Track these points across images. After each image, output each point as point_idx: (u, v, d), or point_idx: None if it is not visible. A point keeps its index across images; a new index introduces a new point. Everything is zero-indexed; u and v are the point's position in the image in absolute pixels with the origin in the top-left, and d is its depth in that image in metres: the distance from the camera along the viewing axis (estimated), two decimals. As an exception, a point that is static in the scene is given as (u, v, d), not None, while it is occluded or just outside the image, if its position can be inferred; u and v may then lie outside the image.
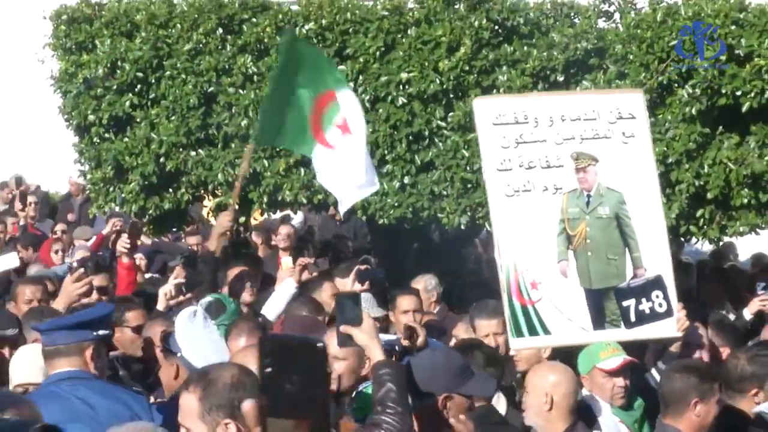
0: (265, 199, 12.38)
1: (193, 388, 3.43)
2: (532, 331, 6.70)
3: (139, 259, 12.76)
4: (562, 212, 6.92)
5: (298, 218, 18.20)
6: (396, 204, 11.74)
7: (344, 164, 9.57)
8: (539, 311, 6.75)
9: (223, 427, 3.47)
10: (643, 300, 6.72)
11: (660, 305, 6.65)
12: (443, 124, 11.48)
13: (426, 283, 10.78)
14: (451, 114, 11.44)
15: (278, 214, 15.67)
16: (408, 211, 11.80)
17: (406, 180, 11.65)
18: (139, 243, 13.04)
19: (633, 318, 6.65)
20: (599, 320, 6.70)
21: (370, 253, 13.65)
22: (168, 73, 12.04)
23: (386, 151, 11.56)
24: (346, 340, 4.26)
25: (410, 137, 11.46)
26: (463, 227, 12.02)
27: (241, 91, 11.96)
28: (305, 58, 9.94)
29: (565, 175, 7.02)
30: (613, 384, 6.19)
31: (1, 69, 21.30)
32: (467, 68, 11.28)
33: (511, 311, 6.69)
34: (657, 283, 6.71)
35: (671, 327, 6.62)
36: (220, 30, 12.22)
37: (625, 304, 6.71)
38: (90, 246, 14.03)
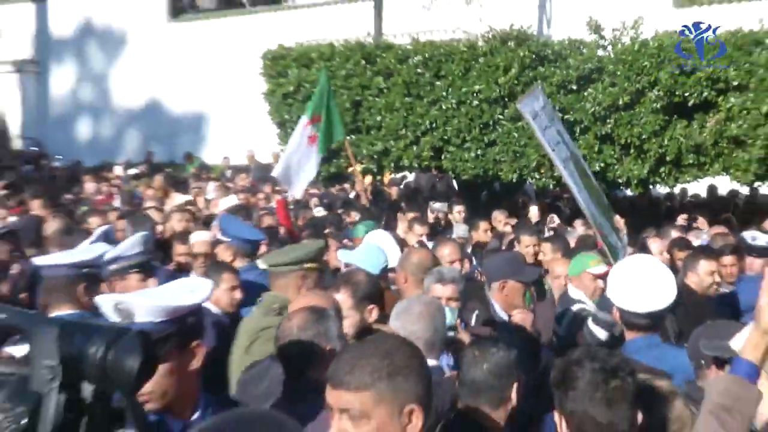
0: (392, 166, 16.95)
1: (344, 289, 4.91)
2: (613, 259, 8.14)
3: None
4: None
5: (410, 177, 21.88)
6: (473, 167, 16.09)
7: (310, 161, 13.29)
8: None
9: (368, 312, 5.02)
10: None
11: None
12: (501, 117, 15.61)
13: (500, 214, 14.15)
14: (506, 110, 15.57)
15: (398, 174, 19.31)
16: (480, 170, 16.20)
17: (479, 152, 15.88)
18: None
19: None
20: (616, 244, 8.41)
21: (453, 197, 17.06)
22: (333, 89, 15.43)
23: (466, 135, 15.82)
24: None
25: (481, 125, 15.61)
26: (514, 181, 16.32)
27: (377, 99, 16.55)
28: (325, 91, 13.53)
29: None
30: (596, 285, 7.35)
31: (234, 88, 25.47)
32: (516, 82, 15.30)
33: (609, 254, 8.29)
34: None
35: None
36: (363, 61, 16.87)
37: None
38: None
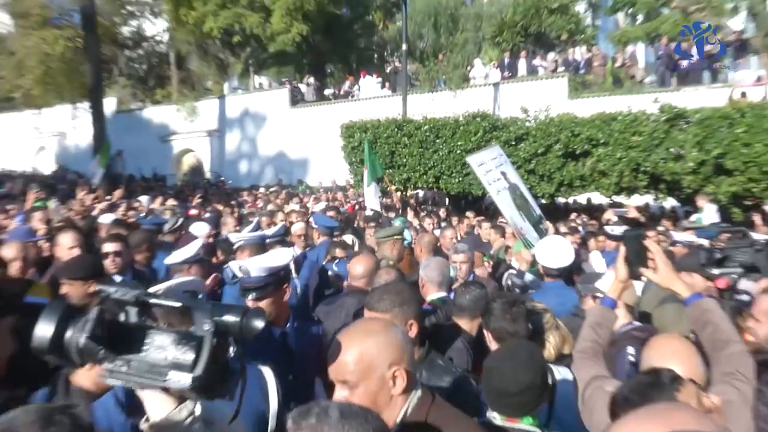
0: (412, 186, 17.13)
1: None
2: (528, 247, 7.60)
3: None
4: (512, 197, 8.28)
5: (422, 193, 19.53)
6: (456, 187, 15.90)
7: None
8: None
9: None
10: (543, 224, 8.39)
11: (546, 226, 8.34)
12: None
13: (471, 213, 13.68)
14: None
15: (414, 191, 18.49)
16: (461, 189, 15.97)
17: (460, 179, 15.70)
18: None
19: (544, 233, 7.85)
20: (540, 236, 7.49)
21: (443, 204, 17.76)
22: (378, 143, 16.36)
23: (453, 169, 15.83)
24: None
25: (461, 164, 15.26)
26: (480, 195, 15.80)
27: (403, 150, 16.39)
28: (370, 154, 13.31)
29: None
30: (526, 259, 7.03)
31: (325, 143, 24.24)
32: (481, 140, 15.22)
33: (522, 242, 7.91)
34: (542, 216, 8.51)
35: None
36: (395, 128, 16.61)
37: (541, 226, 8.18)
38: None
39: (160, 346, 1.42)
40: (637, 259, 2.86)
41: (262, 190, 22.17)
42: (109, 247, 5.25)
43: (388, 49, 35.43)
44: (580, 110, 15.64)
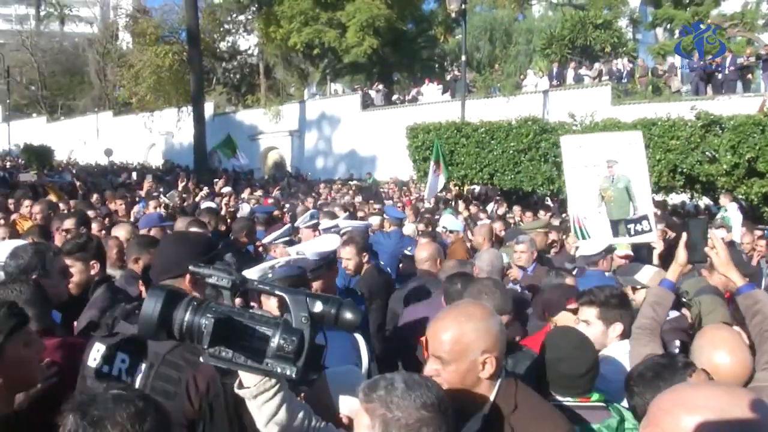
0: (469, 182, 16.89)
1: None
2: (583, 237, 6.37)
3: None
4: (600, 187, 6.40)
5: (477, 188, 18.39)
6: (508, 183, 15.59)
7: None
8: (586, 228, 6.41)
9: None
10: (638, 224, 6.23)
11: (646, 227, 6.18)
12: (524, 158, 15.33)
13: (518, 208, 12.78)
14: (526, 155, 15.17)
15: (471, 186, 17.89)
16: (512, 185, 15.65)
17: (512, 176, 15.40)
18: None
19: (633, 233, 6.20)
20: (616, 233, 6.20)
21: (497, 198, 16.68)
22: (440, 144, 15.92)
23: (506, 167, 15.48)
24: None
25: (513, 163, 15.33)
26: (530, 191, 15.61)
27: (462, 149, 16.25)
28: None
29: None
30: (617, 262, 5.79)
31: (392, 143, 23.26)
32: (531, 142, 15.06)
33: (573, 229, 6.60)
34: (644, 217, 6.20)
35: (653, 237, 6.14)
36: (455, 130, 16.20)
37: (629, 225, 6.22)
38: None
39: (262, 337, 1.37)
40: (699, 245, 2.74)
41: (335, 183, 22.34)
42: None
43: (448, 59, 35.23)
44: (622, 116, 15.11)
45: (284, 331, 1.36)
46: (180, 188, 10.85)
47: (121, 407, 1.31)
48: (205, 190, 11.68)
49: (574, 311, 3.07)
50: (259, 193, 14.76)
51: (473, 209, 11.93)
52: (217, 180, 13.83)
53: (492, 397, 1.85)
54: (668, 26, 29.72)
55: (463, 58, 19.94)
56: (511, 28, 33.51)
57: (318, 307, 1.43)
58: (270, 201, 12.24)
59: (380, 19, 28.74)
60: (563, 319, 3.18)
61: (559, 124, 15.65)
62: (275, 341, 1.35)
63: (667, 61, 24.98)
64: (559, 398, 2.29)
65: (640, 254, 6.33)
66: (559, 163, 14.44)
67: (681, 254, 2.81)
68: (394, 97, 30.59)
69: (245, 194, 14.09)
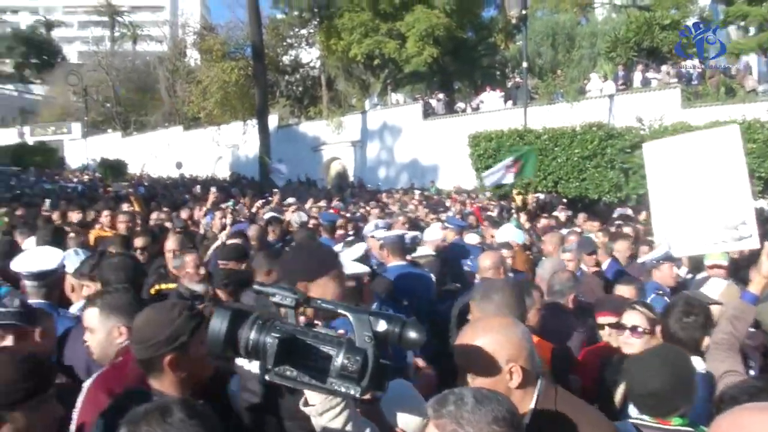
0: (534, 190, 16.48)
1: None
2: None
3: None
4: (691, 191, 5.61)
5: (542, 196, 17.98)
6: (574, 191, 15.61)
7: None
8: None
9: None
10: (737, 229, 5.29)
11: (746, 233, 5.17)
12: (589, 164, 15.23)
13: (582, 216, 12.01)
14: (591, 162, 15.10)
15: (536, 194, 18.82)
16: (578, 193, 15.69)
17: (577, 183, 15.41)
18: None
19: (731, 239, 5.21)
20: (711, 241, 5.33)
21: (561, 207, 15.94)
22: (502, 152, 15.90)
23: (571, 175, 15.49)
24: None
25: (578, 170, 15.32)
26: (595, 198, 15.55)
27: None
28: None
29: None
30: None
31: (454, 151, 23.85)
32: (597, 148, 15.08)
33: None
34: (744, 221, 5.20)
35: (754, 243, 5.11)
36: (518, 137, 16.42)
37: (727, 231, 5.28)
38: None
39: (326, 356, 1.36)
40: None
41: (395, 193, 22.27)
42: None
43: (510, 66, 34.85)
44: (693, 119, 14.67)
45: (348, 351, 1.35)
46: (246, 200, 11.22)
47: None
48: (260, 201, 11.93)
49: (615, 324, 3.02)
50: (322, 203, 15.08)
51: (546, 221, 11.62)
52: (274, 191, 14.09)
53: (532, 405, 1.86)
54: (742, 23, 28.53)
55: (525, 64, 20.07)
56: (574, 32, 32.82)
57: (381, 326, 1.42)
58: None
59: (439, 29, 28.75)
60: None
61: (626, 129, 15.43)
62: (339, 361, 1.34)
63: (740, 59, 24.01)
64: (635, 415, 2.23)
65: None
66: (626, 170, 14.37)
67: (765, 265, 2.70)
68: (456, 105, 30.53)
69: (309, 204, 14.53)
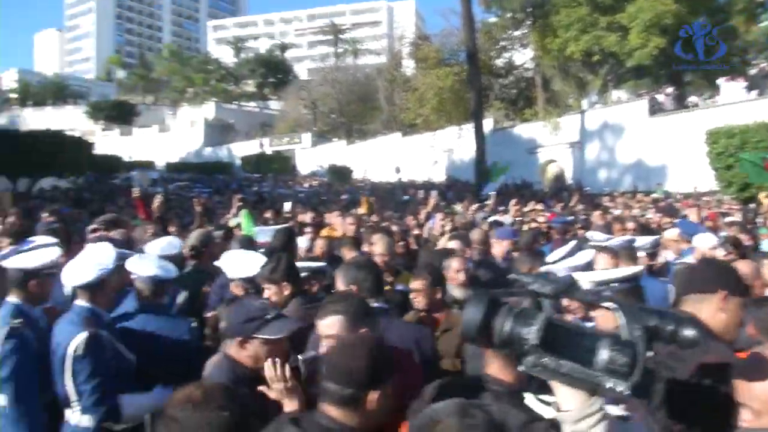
0: None
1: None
2: None
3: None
4: None
5: None
6: None
7: None
8: None
9: None
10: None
11: None
12: None
13: None
14: None
15: None
16: None
17: None
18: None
19: None
20: None
21: None
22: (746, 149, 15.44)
23: None
24: None
25: None
26: None
27: None
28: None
29: None
30: None
31: (681, 147, 23.51)
32: None
33: None
34: None
35: None
36: None
37: None
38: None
39: (590, 349, 1.27)
40: None
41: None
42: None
43: (752, 52, 31.38)
44: None
45: (615, 343, 1.26)
46: (464, 204, 11.54)
47: None
48: (476, 205, 12.08)
49: None
50: (540, 206, 14.84)
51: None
52: (488, 196, 14.20)
53: None
54: None
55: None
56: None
57: (653, 320, 1.32)
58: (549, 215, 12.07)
59: (667, 17, 26.61)
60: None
61: None
62: (605, 353, 1.25)
63: None
64: None
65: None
66: None
67: None
68: (687, 100, 28.45)
69: (529, 207, 14.39)
